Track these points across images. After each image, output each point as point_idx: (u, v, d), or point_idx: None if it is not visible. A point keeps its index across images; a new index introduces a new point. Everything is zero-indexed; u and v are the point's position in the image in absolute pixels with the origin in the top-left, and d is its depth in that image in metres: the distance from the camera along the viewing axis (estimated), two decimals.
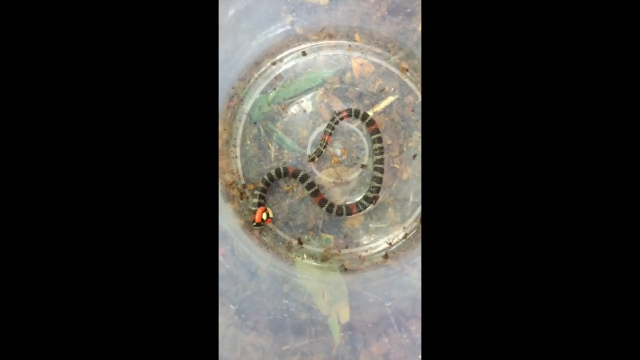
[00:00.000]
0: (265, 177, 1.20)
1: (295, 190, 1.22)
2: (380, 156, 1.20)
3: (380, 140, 1.21)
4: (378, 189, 1.20)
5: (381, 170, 1.20)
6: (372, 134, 1.22)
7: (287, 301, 1.08)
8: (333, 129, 1.21)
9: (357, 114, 1.22)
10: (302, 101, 1.25)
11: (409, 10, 1.19)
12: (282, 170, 1.20)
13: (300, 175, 1.19)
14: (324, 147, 1.21)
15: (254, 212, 1.17)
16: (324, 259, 1.19)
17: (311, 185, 1.19)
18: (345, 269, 1.18)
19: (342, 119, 1.22)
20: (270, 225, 1.21)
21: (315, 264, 1.20)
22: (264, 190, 1.20)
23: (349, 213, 1.20)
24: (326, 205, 1.18)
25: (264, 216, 1.16)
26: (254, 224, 1.16)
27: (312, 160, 1.21)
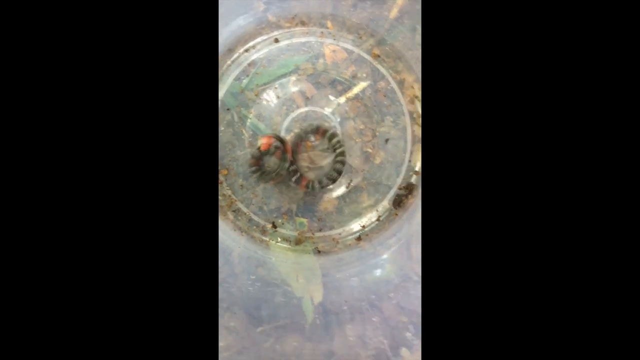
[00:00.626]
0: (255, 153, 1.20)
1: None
2: (341, 148, 1.20)
3: (335, 135, 1.21)
4: (334, 180, 1.21)
5: (342, 162, 1.21)
6: (323, 135, 1.23)
7: (259, 283, 1.09)
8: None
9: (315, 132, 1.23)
10: (276, 87, 1.27)
11: None
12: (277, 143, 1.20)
13: (287, 161, 1.19)
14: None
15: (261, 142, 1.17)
16: (297, 242, 1.21)
17: (294, 172, 1.20)
18: (319, 252, 1.20)
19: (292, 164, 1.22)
20: (244, 209, 1.22)
21: (289, 247, 1.21)
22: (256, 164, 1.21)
23: (298, 182, 1.21)
24: (307, 184, 1.20)
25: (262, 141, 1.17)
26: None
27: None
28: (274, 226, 1.21)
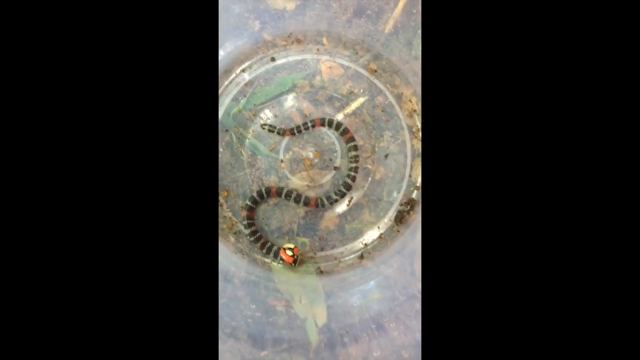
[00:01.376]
0: (249, 202, 1.19)
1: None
2: (355, 164, 1.21)
3: (355, 148, 1.22)
4: (344, 195, 1.21)
5: (353, 179, 1.21)
6: (347, 142, 1.23)
7: (255, 308, 1.08)
8: (300, 132, 1.22)
9: (330, 123, 1.23)
10: (273, 106, 1.26)
11: (369, 12, 1.20)
12: (264, 191, 1.19)
13: (284, 192, 1.19)
14: (281, 133, 1.21)
15: (282, 259, 1.15)
16: (300, 262, 1.19)
17: (298, 197, 1.19)
18: (322, 272, 1.19)
19: (314, 126, 1.23)
20: (246, 230, 1.21)
21: (291, 267, 1.20)
22: (250, 218, 1.19)
23: (307, 204, 1.20)
24: (315, 202, 1.19)
25: (289, 253, 1.14)
26: (293, 264, 1.15)
27: (265, 128, 1.22)
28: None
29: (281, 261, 1.16)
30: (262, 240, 1.18)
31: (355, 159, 1.21)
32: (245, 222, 1.19)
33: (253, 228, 1.18)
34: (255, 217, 1.22)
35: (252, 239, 1.18)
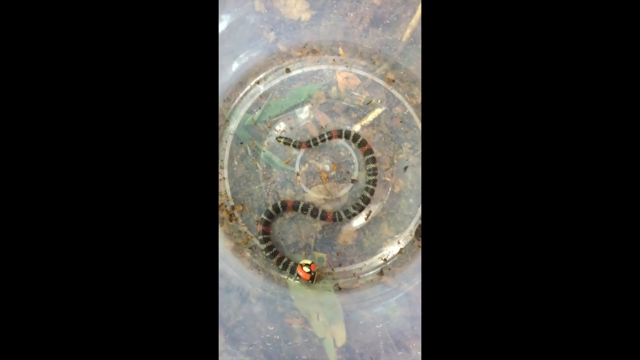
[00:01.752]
0: (264, 216, 1.16)
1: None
2: (374, 177, 1.18)
3: (374, 160, 1.18)
4: (362, 209, 1.17)
5: (371, 192, 1.17)
6: (365, 154, 1.19)
7: (272, 328, 1.04)
8: (316, 144, 1.19)
9: (347, 135, 1.20)
10: (289, 118, 1.24)
11: (387, 21, 1.17)
12: (279, 205, 1.16)
13: (301, 206, 1.16)
14: (297, 146, 1.19)
15: (299, 276, 1.12)
16: (317, 278, 1.16)
17: (315, 211, 1.16)
18: (340, 289, 1.15)
19: (330, 138, 1.20)
20: (262, 245, 1.18)
21: (308, 284, 1.16)
22: (265, 232, 1.17)
23: (324, 218, 1.17)
24: (332, 216, 1.17)
25: (306, 269, 1.11)
26: (310, 281, 1.12)
27: (280, 141, 1.19)
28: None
29: (298, 278, 1.13)
30: (278, 256, 1.14)
31: (374, 171, 1.17)
32: (260, 237, 1.16)
33: (269, 243, 1.15)
34: (271, 232, 1.19)
35: (268, 254, 1.15)
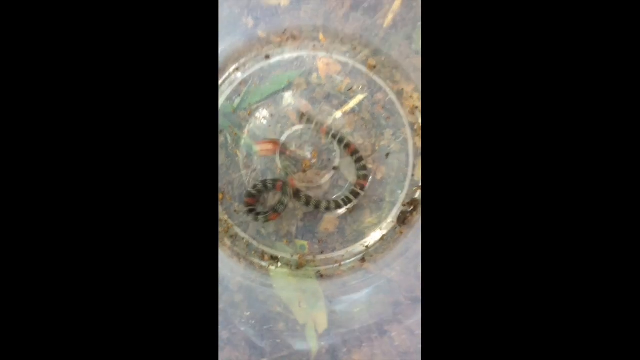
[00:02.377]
0: (252, 189, 1.15)
1: (266, 197, 1.18)
2: (364, 171, 1.17)
3: (361, 160, 1.17)
4: (350, 201, 1.17)
5: (361, 188, 1.16)
6: (353, 154, 1.18)
7: (260, 312, 1.04)
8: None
9: (334, 137, 1.18)
10: (269, 105, 1.22)
11: (366, 5, 1.16)
12: (269, 184, 1.15)
13: (291, 191, 1.14)
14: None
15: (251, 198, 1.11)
16: (299, 266, 1.15)
17: (308, 199, 1.15)
18: (322, 276, 1.14)
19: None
20: (242, 234, 1.17)
21: (290, 272, 1.16)
22: (250, 204, 1.15)
23: (317, 206, 1.16)
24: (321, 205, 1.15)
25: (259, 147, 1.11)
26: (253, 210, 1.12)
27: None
28: (274, 258, 1.16)
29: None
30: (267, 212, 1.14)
31: (364, 175, 1.17)
32: (245, 210, 1.15)
33: (254, 210, 1.15)
34: (256, 203, 1.17)
35: (260, 216, 1.14)
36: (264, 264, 1.16)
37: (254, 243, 1.18)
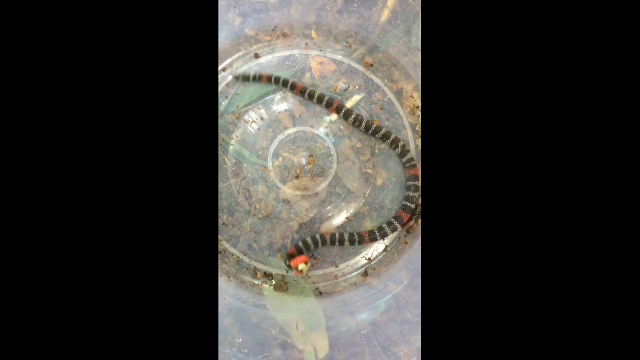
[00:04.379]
0: (301, 244, 1.03)
1: (258, 208, 1.08)
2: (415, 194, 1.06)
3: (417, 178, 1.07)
4: (395, 229, 1.05)
5: (414, 188, 1.06)
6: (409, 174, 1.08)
7: (253, 336, 0.92)
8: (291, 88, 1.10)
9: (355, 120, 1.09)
10: (259, 108, 1.13)
11: None
12: (319, 240, 1.03)
13: (338, 239, 1.03)
14: (257, 78, 1.09)
15: (297, 255, 1.01)
16: (276, 288, 1.03)
17: (352, 238, 1.05)
18: (321, 293, 1.04)
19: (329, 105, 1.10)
20: (232, 249, 1.06)
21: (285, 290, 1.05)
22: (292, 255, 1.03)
23: (362, 241, 1.05)
24: (343, 239, 1.04)
25: (301, 267, 0.99)
26: (288, 261, 1.02)
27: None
28: (267, 276, 1.05)
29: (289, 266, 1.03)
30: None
31: (410, 161, 1.07)
32: (287, 262, 1.03)
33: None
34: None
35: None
36: (256, 282, 1.05)
37: (245, 259, 1.06)
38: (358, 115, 1.09)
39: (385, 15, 1.12)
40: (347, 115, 1.09)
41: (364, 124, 1.09)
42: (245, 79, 1.10)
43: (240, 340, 0.91)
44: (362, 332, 0.95)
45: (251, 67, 1.14)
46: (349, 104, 1.12)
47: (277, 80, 1.10)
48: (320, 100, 1.10)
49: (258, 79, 1.10)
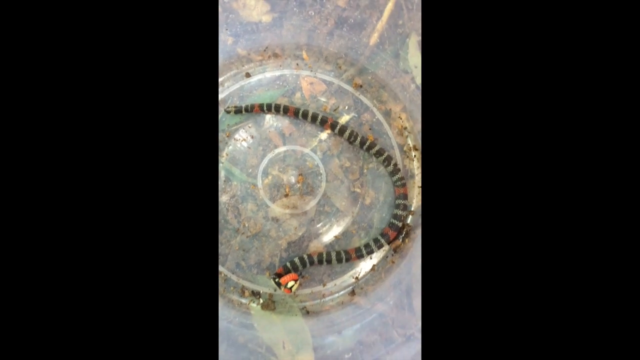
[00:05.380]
0: (288, 264, 1.05)
1: (246, 225, 1.09)
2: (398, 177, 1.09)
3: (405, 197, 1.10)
4: (381, 246, 1.07)
5: (402, 206, 1.09)
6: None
7: (240, 356, 0.92)
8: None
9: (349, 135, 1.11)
10: (250, 126, 1.14)
11: (352, 20, 1.11)
12: (307, 260, 1.05)
13: (325, 258, 1.05)
14: (249, 110, 1.11)
15: (285, 274, 1.03)
16: (263, 306, 1.03)
17: (340, 256, 1.06)
18: (308, 312, 1.04)
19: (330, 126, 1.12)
20: (219, 267, 1.06)
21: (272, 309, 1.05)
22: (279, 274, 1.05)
23: (348, 259, 1.06)
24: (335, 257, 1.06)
25: (290, 284, 1.01)
26: (277, 279, 1.02)
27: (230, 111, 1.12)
28: (255, 294, 1.05)
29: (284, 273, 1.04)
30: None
31: (400, 181, 1.10)
32: (277, 280, 1.03)
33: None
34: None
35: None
36: (244, 300, 1.05)
37: (233, 277, 1.07)
38: (353, 131, 1.11)
39: (375, 37, 1.15)
40: (341, 130, 1.11)
41: (358, 139, 1.11)
42: (238, 111, 1.11)
43: (234, 349, 0.91)
44: (348, 350, 0.95)
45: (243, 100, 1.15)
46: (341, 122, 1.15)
47: (268, 107, 1.12)
48: (314, 118, 1.11)
49: (250, 109, 1.12)
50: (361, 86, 1.17)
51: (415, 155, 1.14)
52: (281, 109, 1.12)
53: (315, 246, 1.09)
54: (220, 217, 1.08)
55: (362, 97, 1.17)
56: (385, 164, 1.11)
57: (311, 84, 1.17)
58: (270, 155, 1.12)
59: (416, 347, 0.95)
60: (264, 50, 1.17)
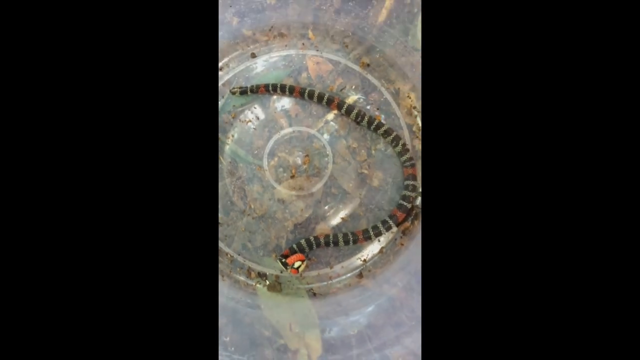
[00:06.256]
0: (295, 246, 1.03)
1: (253, 207, 1.08)
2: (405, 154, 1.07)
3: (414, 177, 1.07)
4: (390, 227, 1.04)
5: (411, 187, 1.05)
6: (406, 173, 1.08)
7: (228, 339, 0.91)
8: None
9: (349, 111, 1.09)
10: (255, 107, 1.13)
11: None
12: (313, 242, 1.03)
13: (332, 240, 1.04)
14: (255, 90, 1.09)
15: (292, 254, 1.01)
16: (269, 287, 1.02)
17: (347, 237, 1.04)
18: (314, 294, 1.03)
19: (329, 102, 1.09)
20: (226, 248, 1.06)
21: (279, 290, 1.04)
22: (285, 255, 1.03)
23: (355, 241, 1.04)
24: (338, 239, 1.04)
25: (297, 264, 1.00)
26: (283, 260, 1.01)
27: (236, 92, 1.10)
28: (261, 276, 1.05)
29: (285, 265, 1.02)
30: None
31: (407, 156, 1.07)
32: (283, 260, 1.02)
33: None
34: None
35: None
36: (250, 281, 1.04)
37: (239, 259, 1.06)
38: (360, 111, 1.09)
39: (383, 15, 1.12)
40: (349, 110, 1.09)
41: (366, 119, 1.08)
42: (243, 92, 1.10)
43: (228, 339, 0.90)
44: (354, 333, 0.94)
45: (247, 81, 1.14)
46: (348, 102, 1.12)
47: (274, 87, 1.10)
48: (320, 98, 1.09)
49: (255, 90, 1.10)
50: (369, 65, 1.14)
51: None
52: (287, 89, 1.10)
53: (322, 228, 1.07)
54: (226, 199, 1.07)
55: (369, 77, 1.14)
56: (393, 144, 1.08)
57: (317, 64, 1.14)
58: (276, 137, 1.10)
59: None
60: (270, 30, 1.15)
